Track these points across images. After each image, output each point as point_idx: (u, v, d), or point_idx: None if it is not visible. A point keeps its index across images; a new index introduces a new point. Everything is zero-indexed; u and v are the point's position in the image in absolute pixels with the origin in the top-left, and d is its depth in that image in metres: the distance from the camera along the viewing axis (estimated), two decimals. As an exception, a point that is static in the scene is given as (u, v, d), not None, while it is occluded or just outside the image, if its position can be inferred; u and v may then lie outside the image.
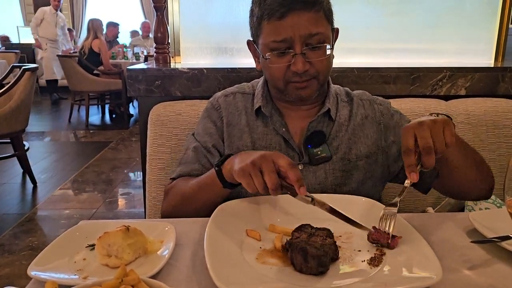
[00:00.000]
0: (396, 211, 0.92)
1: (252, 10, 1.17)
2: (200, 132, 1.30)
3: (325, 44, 1.12)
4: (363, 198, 1.09)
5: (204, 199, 1.12)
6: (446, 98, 1.75)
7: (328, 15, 1.13)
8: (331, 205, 0.93)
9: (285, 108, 1.25)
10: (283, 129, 1.22)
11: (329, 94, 1.25)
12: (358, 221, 0.92)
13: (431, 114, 0.99)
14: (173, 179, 1.27)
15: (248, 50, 1.27)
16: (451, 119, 1.00)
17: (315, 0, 1.09)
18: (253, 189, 0.94)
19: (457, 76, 1.79)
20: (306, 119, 1.22)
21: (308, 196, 0.92)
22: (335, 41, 1.20)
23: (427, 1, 2.06)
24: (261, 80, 1.31)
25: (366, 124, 1.25)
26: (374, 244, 0.89)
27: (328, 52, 1.13)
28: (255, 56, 1.25)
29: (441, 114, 1.00)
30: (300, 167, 1.20)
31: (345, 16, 2.07)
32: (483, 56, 2.12)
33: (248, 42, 1.24)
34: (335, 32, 1.20)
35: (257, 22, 1.14)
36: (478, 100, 1.71)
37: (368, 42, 2.10)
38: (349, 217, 0.92)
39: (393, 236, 0.88)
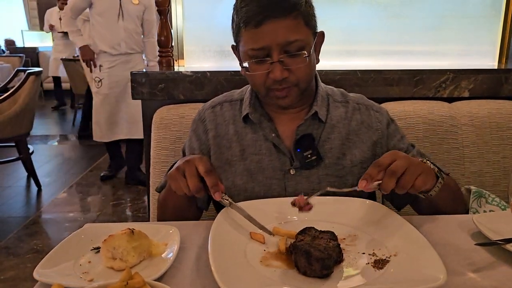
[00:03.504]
0: (327, 190, 0.97)
1: (232, 16, 1.15)
2: (186, 147, 1.33)
3: (304, 52, 1.09)
4: (367, 201, 1.09)
5: (172, 206, 1.20)
6: (450, 100, 1.74)
7: (307, 20, 1.10)
8: (247, 212, 0.99)
9: (274, 112, 1.24)
10: (273, 135, 1.21)
11: (317, 96, 1.23)
12: (266, 227, 0.97)
13: (423, 161, 1.00)
14: (159, 191, 1.30)
15: None
16: (447, 174, 1.05)
17: (292, 7, 1.06)
18: (180, 192, 1.02)
19: (461, 78, 1.79)
20: (296, 122, 1.20)
21: (226, 200, 1.00)
22: (320, 45, 1.18)
23: (430, 3, 2.06)
24: (249, 86, 1.29)
25: (362, 129, 1.23)
26: (292, 206, 0.97)
27: (308, 59, 1.10)
28: (239, 60, 1.23)
29: (437, 168, 1.01)
30: (292, 172, 1.19)
31: (348, 18, 2.09)
32: (486, 57, 2.12)
33: (233, 47, 1.23)
34: (320, 35, 1.17)
35: (236, 28, 1.13)
36: (482, 102, 1.71)
37: (371, 44, 2.10)
38: (264, 225, 0.97)
39: (307, 204, 0.96)
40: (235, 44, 1.20)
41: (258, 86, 1.15)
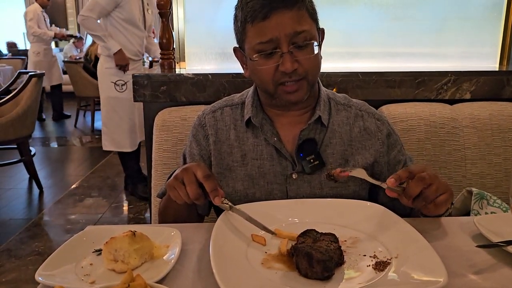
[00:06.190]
0: (362, 171, 1.00)
1: (235, 16, 1.15)
2: (187, 153, 1.32)
3: (312, 42, 1.10)
4: (368, 203, 1.09)
5: (172, 214, 1.20)
6: (451, 102, 1.75)
7: (311, 14, 1.12)
8: (249, 214, 0.99)
9: (277, 115, 1.23)
10: (275, 139, 1.20)
11: (319, 99, 1.22)
12: (272, 230, 0.98)
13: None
14: (160, 197, 1.30)
15: None
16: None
17: None
18: (180, 200, 1.02)
19: (462, 80, 1.79)
20: (298, 126, 1.20)
21: (226, 204, 1.00)
22: (321, 42, 1.18)
23: (431, 5, 2.06)
24: (251, 89, 1.28)
25: (364, 136, 1.23)
26: (328, 179, 1.00)
27: (316, 50, 1.11)
28: (242, 62, 1.22)
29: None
30: (294, 176, 1.19)
31: (350, 20, 2.09)
32: (488, 59, 2.12)
33: (235, 49, 1.22)
34: (321, 32, 1.18)
35: (241, 26, 1.13)
36: (484, 104, 1.71)
37: (373, 46, 2.10)
38: (266, 226, 0.98)
39: (344, 171, 0.99)
40: (238, 45, 1.19)
41: (267, 82, 1.14)
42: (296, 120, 1.22)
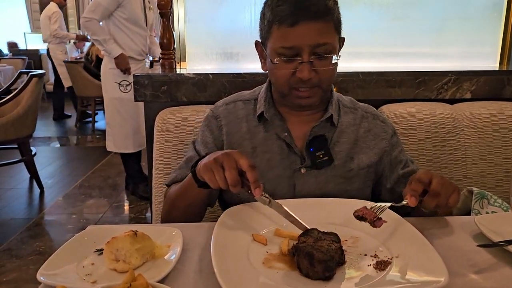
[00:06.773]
0: (389, 205, 0.96)
1: (263, 13, 1.18)
2: (198, 140, 1.32)
3: (331, 55, 1.13)
4: (369, 203, 1.09)
5: (186, 202, 1.17)
6: (452, 101, 1.75)
7: (337, 26, 1.15)
8: (287, 209, 0.98)
9: (288, 113, 1.26)
10: (285, 134, 1.23)
11: (332, 100, 1.26)
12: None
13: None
14: (168, 185, 1.29)
15: (254, 54, 1.28)
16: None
17: (327, 11, 1.10)
18: (215, 184, 0.99)
19: (462, 80, 1.79)
20: (308, 124, 1.23)
21: (266, 197, 0.98)
22: (340, 49, 1.21)
23: (432, 5, 2.06)
24: (264, 85, 1.32)
25: (369, 137, 1.28)
26: (358, 220, 0.94)
27: (334, 61, 1.14)
28: (262, 57, 1.25)
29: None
30: (302, 170, 1.21)
31: (350, 20, 2.08)
32: (488, 59, 2.12)
33: (256, 43, 1.25)
34: (342, 41, 1.21)
35: (267, 25, 1.15)
36: (484, 103, 1.71)
37: (373, 46, 2.10)
38: (304, 223, 0.97)
39: (379, 218, 0.92)
40: (260, 39, 1.22)
41: (282, 83, 1.17)
42: (306, 119, 1.25)
